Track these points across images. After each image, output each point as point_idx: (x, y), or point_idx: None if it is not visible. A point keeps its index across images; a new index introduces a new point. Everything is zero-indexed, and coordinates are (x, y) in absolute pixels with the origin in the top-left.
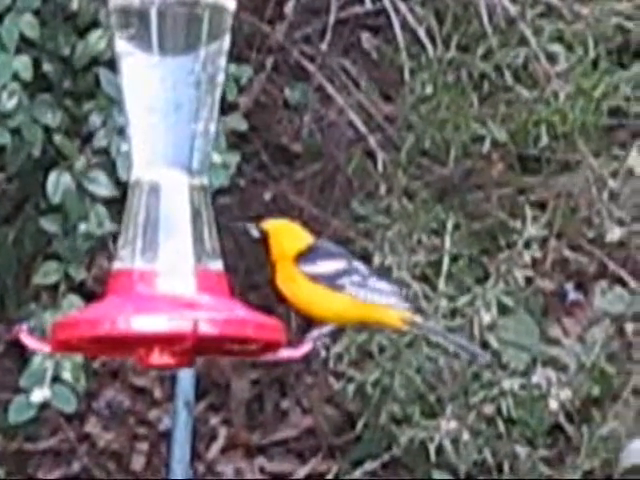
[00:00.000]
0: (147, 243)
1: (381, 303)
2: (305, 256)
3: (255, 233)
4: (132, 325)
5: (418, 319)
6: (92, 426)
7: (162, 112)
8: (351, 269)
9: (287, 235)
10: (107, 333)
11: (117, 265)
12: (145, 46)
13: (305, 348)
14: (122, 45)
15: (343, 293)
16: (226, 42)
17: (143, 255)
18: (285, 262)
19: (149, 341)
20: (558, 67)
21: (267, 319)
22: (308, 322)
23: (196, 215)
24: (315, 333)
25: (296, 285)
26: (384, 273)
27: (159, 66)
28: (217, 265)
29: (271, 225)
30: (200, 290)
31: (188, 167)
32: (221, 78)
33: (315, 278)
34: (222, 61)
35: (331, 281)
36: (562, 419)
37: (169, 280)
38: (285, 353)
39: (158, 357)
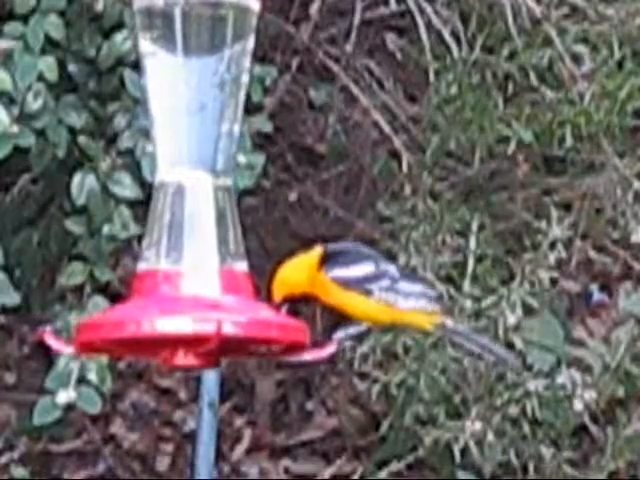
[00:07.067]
0: (172, 244)
1: (410, 307)
2: (333, 260)
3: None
4: (156, 327)
5: (448, 322)
6: (117, 427)
7: (186, 113)
8: (380, 273)
9: (292, 271)
10: (131, 335)
11: (142, 266)
12: (169, 47)
13: (330, 349)
14: (146, 46)
15: (372, 298)
16: (250, 43)
17: (168, 256)
18: (311, 275)
19: (173, 342)
20: (583, 68)
21: (291, 320)
22: (334, 323)
23: (221, 216)
24: (340, 334)
25: (327, 290)
26: (415, 274)
27: (183, 67)
28: (242, 266)
29: (276, 292)
30: (224, 291)
31: (212, 168)
32: (245, 79)
33: (343, 282)
34: (246, 62)
35: (360, 285)
36: (587, 420)
37: (193, 281)
38: (310, 354)
39: (182, 358)
